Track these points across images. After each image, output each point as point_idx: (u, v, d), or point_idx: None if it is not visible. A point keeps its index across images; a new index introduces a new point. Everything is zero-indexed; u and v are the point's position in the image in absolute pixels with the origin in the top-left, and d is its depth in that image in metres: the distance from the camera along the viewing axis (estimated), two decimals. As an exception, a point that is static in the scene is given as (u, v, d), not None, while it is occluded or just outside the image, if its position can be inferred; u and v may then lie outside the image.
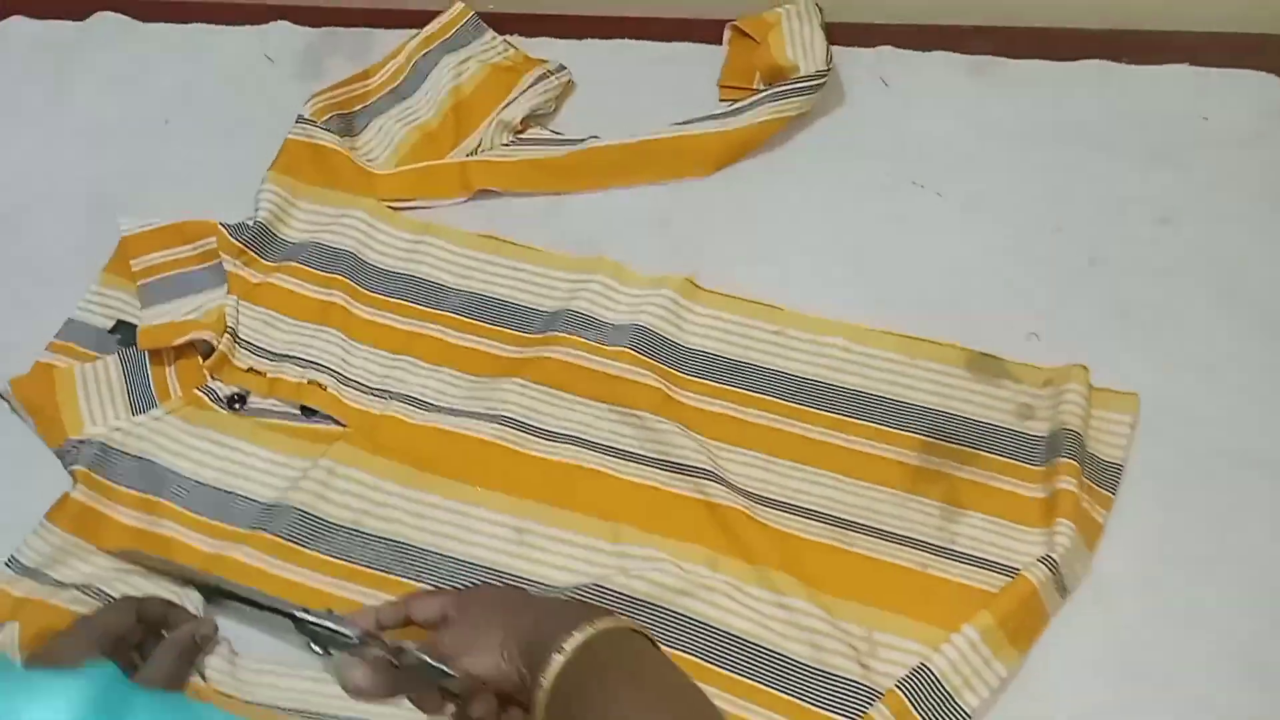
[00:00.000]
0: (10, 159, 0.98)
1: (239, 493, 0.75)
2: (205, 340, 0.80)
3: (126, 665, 0.64)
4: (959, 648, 0.64)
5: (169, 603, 0.68)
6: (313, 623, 0.65)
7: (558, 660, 0.54)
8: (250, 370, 0.80)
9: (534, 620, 0.59)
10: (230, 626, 0.70)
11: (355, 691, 0.60)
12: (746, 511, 0.71)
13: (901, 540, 0.70)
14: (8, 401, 0.80)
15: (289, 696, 0.68)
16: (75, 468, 0.76)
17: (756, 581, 0.69)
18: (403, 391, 0.79)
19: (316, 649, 0.64)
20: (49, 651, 0.64)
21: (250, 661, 0.69)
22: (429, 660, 0.59)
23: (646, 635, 0.59)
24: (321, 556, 0.73)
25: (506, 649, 0.58)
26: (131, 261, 0.84)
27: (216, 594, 0.71)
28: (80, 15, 1.06)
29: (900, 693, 0.64)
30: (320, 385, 0.79)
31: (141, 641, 0.66)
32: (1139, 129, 0.87)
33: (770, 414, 0.76)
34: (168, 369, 0.80)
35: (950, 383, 0.76)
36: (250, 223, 0.86)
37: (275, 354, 0.81)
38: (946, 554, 0.69)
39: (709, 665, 0.67)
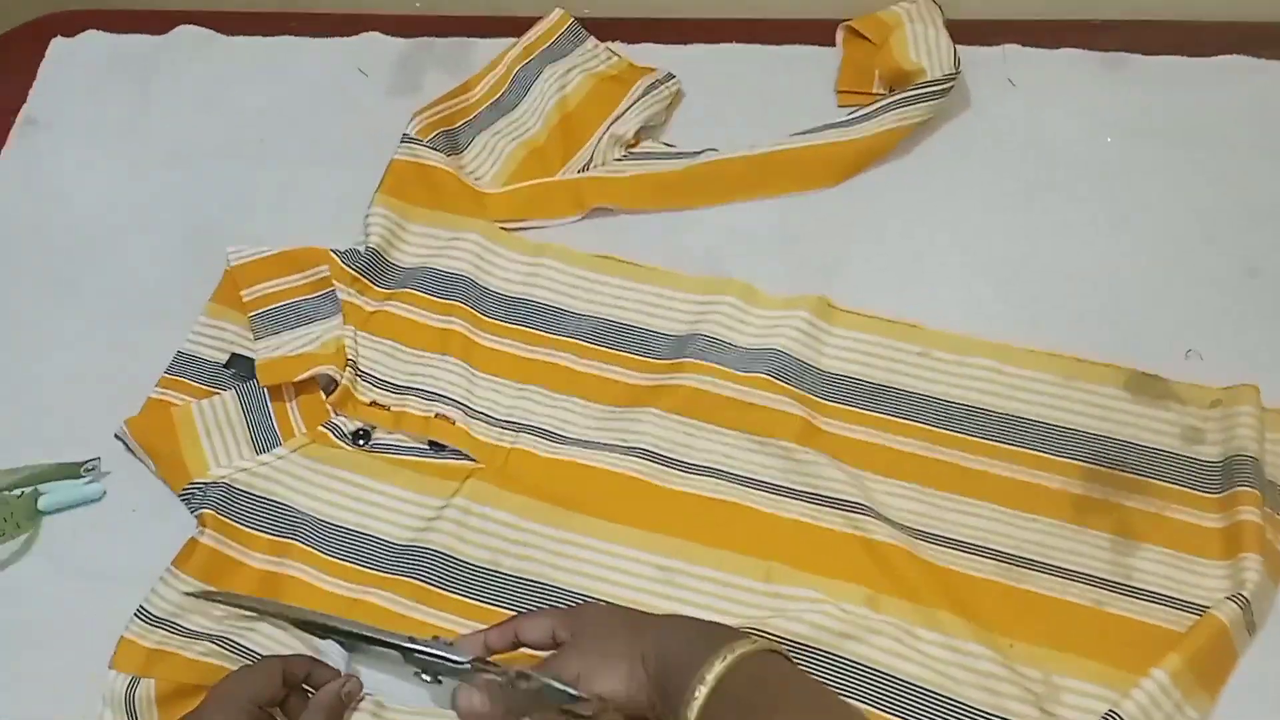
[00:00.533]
0: (94, 183, 0.94)
1: (372, 534, 0.73)
2: (326, 374, 0.77)
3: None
4: (1149, 692, 0.61)
5: (312, 660, 0.66)
6: (422, 651, 0.63)
7: (702, 692, 0.53)
8: (373, 404, 0.78)
9: (659, 641, 0.58)
10: (375, 679, 0.68)
11: (471, 716, 0.59)
12: (906, 548, 0.68)
13: (1074, 576, 0.67)
14: (124, 443, 0.78)
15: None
16: (202, 511, 0.73)
17: (923, 622, 0.66)
18: (531, 423, 0.76)
19: (426, 678, 0.63)
20: None
21: (398, 716, 0.66)
22: (556, 684, 0.57)
23: (784, 654, 0.57)
24: (460, 599, 0.70)
25: (634, 671, 0.57)
26: (242, 292, 0.81)
27: (318, 630, 0.68)
28: (160, 29, 1.03)
29: (1091, 741, 0.61)
30: (448, 419, 0.76)
31: (284, 700, 0.64)
32: (1285, 129, 0.83)
33: (921, 441, 0.73)
34: (289, 404, 0.77)
35: (1110, 405, 0.72)
36: (361, 249, 0.83)
37: (398, 386, 0.78)
38: (1123, 590, 0.66)
39: (880, 712, 0.64)
